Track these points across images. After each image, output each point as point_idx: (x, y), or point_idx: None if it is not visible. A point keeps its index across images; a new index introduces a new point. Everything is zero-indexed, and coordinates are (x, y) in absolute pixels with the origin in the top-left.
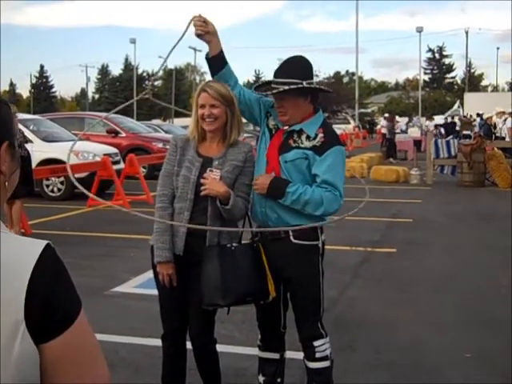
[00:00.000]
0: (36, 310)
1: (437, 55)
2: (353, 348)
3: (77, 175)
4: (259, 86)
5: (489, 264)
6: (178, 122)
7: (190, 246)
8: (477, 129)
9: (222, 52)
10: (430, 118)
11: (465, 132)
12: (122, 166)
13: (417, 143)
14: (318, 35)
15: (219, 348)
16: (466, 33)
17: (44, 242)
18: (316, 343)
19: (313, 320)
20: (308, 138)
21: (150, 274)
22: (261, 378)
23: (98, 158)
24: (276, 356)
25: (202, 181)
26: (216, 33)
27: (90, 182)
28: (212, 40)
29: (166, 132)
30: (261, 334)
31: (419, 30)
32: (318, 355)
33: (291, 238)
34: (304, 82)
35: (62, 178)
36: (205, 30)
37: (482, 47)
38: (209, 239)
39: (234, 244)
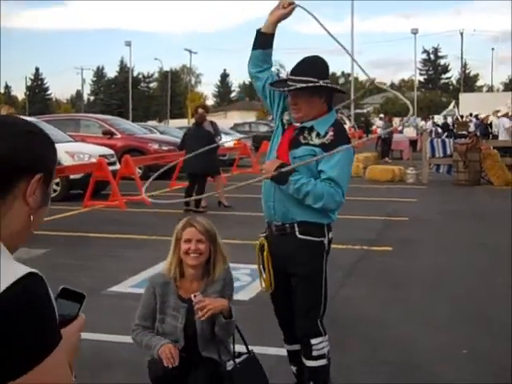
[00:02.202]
0: None
1: (432, 56)
2: (348, 346)
3: (72, 176)
4: (276, 82)
5: (485, 263)
6: (174, 123)
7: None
8: (472, 128)
9: (274, 35)
10: (427, 118)
11: (460, 132)
12: (117, 167)
13: (412, 143)
14: (313, 37)
15: None
16: (461, 34)
17: (27, 270)
18: (313, 341)
19: (312, 317)
20: (318, 135)
21: (146, 274)
22: (293, 368)
23: (93, 159)
24: (298, 347)
25: (197, 306)
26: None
27: (85, 183)
28: (278, 21)
29: (162, 133)
30: (282, 330)
31: (414, 32)
32: (314, 353)
33: (297, 233)
34: (321, 81)
35: (57, 179)
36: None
37: (477, 48)
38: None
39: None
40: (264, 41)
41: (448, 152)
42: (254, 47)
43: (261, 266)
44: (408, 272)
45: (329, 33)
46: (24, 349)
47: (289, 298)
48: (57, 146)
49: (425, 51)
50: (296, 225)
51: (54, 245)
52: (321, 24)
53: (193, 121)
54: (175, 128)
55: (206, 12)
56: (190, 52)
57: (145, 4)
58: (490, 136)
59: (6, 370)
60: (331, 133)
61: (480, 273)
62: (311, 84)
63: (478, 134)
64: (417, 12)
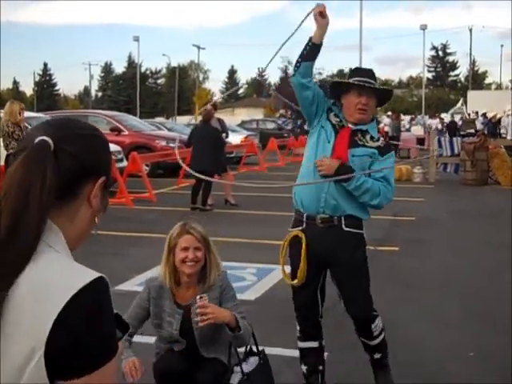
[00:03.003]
0: (60, 344)
1: (440, 53)
2: (357, 346)
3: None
4: (336, 82)
5: (492, 262)
6: (181, 119)
7: None
8: (480, 127)
9: (321, 44)
10: (434, 116)
11: (468, 130)
12: (124, 163)
13: (420, 141)
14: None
15: None
16: (470, 30)
17: (96, 275)
18: (373, 325)
19: (364, 302)
20: (372, 138)
21: (152, 272)
22: (303, 368)
23: None
24: (316, 344)
25: (199, 310)
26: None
27: None
28: (325, 29)
29: (170, 130)
30: (300, 324)
31: (423, 28)
32: (375, 333)
33: (343, 225)
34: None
35: None
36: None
37: (486, 45)
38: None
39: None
40: (317, 52)
41: (455, 151)
42: (307, 59)
43: (286, 257)
44: (416, 272)
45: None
46: (92, 351)
47: (315, 291)
48: None
49: (433, 48)
50: (343, 218)
51: None
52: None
53: (200, 118)
54: (183, 124)
55: (213, 7)
56: (198, 48)
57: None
58: (498, 135)
59: (72, 368)
60: (382, 138)
61: (488, 272)
62: (388, 88)
63: (486, 132)
64: (426, 7)
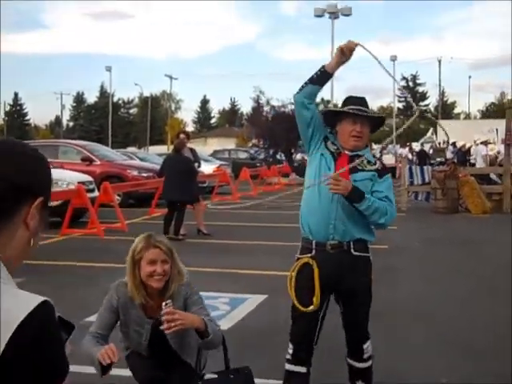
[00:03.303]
0: (10, 369)
1: (410, 83)
2: (332, 373)
3: (50, 203)
4: (331, 111)
5: (463, 290)
6: (153, 149)
7: None
8: (450, 156)
9: (332, 75)
10: (405, 146)
11: (438, 159)
12: (96, 193)
13: (391, 170)
14: (294, 63)
15: None
16: (439, 61)
17: (39, 300)
18: (365, 346)
19: (365, 326)
20: (369, 162)
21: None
22: None
23: (72, 186)
24: (304, 370)
25: (166, 317)
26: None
27: (63, 211)
28: (341, 64)
29: (142, 160)
30: (294, 348)
31: (393, 59)
32: (365, 356)
33: (352, 250)
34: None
35: None
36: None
37: (455, 76)
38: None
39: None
40: (326, 79)
41: (426, 179)
42: (315, 83)
43: (293, 284)
44: (388, 301)
45: (386, 70)
46: (44, 376)
47: (317, 318)
48: None
49: (403, 78)
50: (352, 242)
51: (31, 273)
52: (380, 63)
53: (172, 147)
54: (155, 154)
55: (186, 37)
56: (171, 78)
57: (126, 29)
58: (468, 163)
59: None
60: (378, 162)
61: (458, 300)
62: (381, 115)
63: (456, 161)
64: (396, 38)
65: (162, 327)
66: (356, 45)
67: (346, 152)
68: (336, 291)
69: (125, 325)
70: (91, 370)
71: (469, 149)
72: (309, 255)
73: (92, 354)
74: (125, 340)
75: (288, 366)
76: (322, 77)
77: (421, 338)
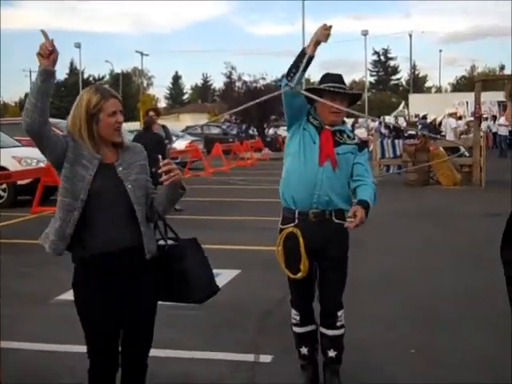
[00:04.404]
0: None
1: (382, 58)
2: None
3: (19, 182)
4: (313, 88)
5: (433, 261)
6: (126, 126)
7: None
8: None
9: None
10: (377, 119)
11: (410, 132)
12: None
13: (363, 143)
14: (266, 39)
15: (166, 353)
16: (410, 36)
17: None
18: (339, 313)
19: (340, 293)
20: (349, 137)
21: None
22: (304, 350)
23: (41, 164)
24: (313, 327)
25: (165, 168)
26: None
27: (33, 189)
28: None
29: None
30: (298, 312)
31: (364, 33)
32: (338, 324)
33: (333, 218)
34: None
35: (4, 185)
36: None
37: (426, 50)
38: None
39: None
40: (308, 63)
41: (398, 152)
42: (304, 70)
43: (283, 254)
44: (358, 272)
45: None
46: None
47: (311, 283)
48: (3, 151)
49: (375, 53)
50: (333, 211)
51: (4, 253)
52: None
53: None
54: (127, 130)
55: (158, 12)
56: (142, 54)
57: (95, 4)
58: (439, 136)
59: None
60: (356, 136)
61: (428, 271)
62: (359, 92)
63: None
64: (368, 13)
65: (161, 179)
66: (328, 29)
67: (327, 127)
68: (318, 259)
69: (72, 163)
70: (56, 347)
71: (440, 122)
72: (292, 224)
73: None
74: (63, 193)
75: (298, 329)
76: (308, 62)
77: (390, 309)
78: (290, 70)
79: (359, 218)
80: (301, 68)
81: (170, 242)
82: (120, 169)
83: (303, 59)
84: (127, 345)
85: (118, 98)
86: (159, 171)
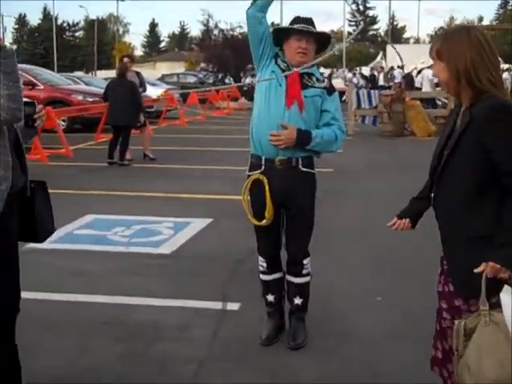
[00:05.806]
0: None
1: (361, 7)
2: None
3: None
4: (282, 28)
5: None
6: (101, 74)
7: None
8: (398, 80)
9: None
10: (354, 70)
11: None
12: None
13: (341, 94)
14: None
15: (135, 301)
16: None
17: None
18: (305, 261)
19: (307, 241)
20: (318, 80)
21: (66, 229)
22: (270, 298)
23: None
24: (281, 275)
25: (41, 114)
26: None
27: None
28: None
29: (87, 84)
30: (265, 260)
31: None
32: (304, 271)
33: (300, 166)
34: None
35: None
36: None
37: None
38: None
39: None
40: None
41: (373, 103)
42: None
43: (248, 201)
44: (330, 222)
45: None
46: None
47: (278, 231)
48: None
49: (354, 2)
50: (300, 159)
51: None
52: None
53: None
54: (101, 79)
55: None
56: (117, 0)
57: None
58: (414, 87)
59: None
60: (326, 79)
61: None
62: (325, 32)
63: (403, 85)
64: None
65: (36, 124)
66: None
67: (296, 69)
68: (285, 207)
69: None
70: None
71: (420, 71)
72: (259, 171)
73: None
74: None
75: (265, 277)
76: None
77: (359, 258)
78: None
79: (282, 139)
80: None
81: None
82: None
83: None
84: None
85: None
86: (35, 116)
